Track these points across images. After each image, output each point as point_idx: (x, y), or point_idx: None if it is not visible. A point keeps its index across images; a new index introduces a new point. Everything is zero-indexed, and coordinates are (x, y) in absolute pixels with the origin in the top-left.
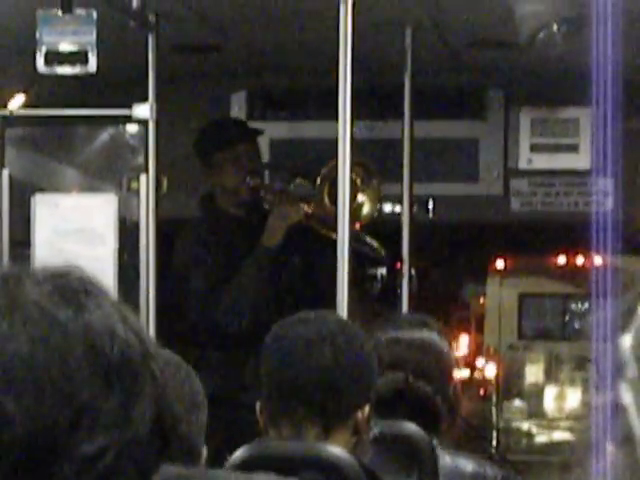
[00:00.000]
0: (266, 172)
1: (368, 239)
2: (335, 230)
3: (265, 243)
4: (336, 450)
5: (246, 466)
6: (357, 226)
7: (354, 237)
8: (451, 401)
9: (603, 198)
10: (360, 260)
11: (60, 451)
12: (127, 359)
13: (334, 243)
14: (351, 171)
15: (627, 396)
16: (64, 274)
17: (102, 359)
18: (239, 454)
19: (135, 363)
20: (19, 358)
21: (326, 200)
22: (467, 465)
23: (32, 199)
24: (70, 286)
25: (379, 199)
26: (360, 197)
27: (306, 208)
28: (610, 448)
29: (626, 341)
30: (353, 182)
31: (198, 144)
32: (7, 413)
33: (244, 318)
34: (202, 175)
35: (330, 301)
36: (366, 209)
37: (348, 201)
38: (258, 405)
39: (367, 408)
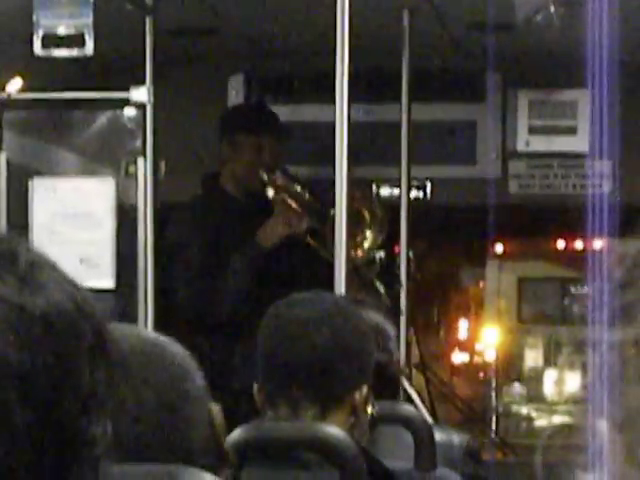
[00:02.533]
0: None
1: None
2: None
3: (259, 242)
4: (333, 430)
5: (242, 448)
6: (359, 254)
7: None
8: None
9: (601, 180)
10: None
11: (72, 439)
12: (97, 328)
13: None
14: (364, 207)
15: None
16: (13, 251)
17: (82, 336)
18: (235, 436)
19: (105, 336)
20: (17, 364)
21: None
22: (435, 435)
23: (30, 183)
24: (25, 265)
25: (379, 240)
26: (367, 232)
27: (311, 223)
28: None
29: None
30: (362, 216)
31: (225, 121)
32: (16, 418)
33: (228, 310)
34: (219, 150)
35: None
36: (367, 244)
37: (346, 177)
38: (255, 386)
39: (364, 389)
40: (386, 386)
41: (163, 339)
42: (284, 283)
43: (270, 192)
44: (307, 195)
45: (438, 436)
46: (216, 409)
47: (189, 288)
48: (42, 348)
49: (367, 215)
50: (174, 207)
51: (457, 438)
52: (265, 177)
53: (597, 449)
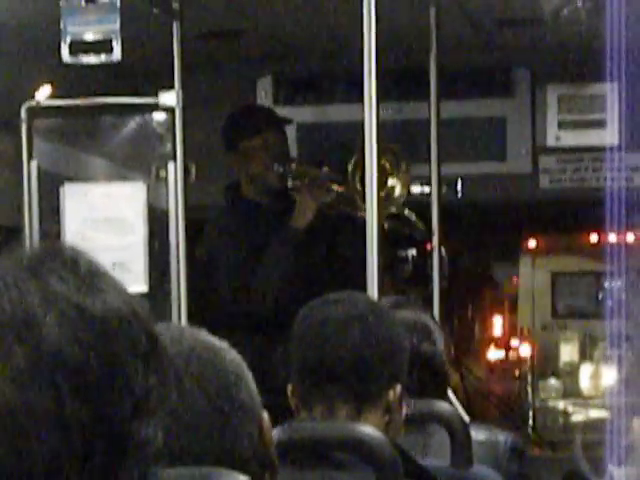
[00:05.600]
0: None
1: (406, 212)
2: (364, 208)
3: (294, 224)
4: (368, 429)
5: (278, 448)
6: (394, 208)
7: (390, 215)
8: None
9: (632, 174)
10: (392, 241)
11: (122, 440)
12: (151, 335)
13: (363, 225)
14: (381, 155)
15: None
16: (75, 258)
17: (137, 341)
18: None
19: (159, 344)
20: (73, 360)
21: (358, 186)
22: (478, 433)
23: (61, 189)
24: (85, 271)
25: (409, 182)
26: (390, 181)
27: (336, 188)
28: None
29: None
30: (382, 167)
31: (225, 130)
32: (68, 411)
33: (270, 300)
34: (228, 162)
35: (358, 285)
36: (397, 192)
37: (376, 183)
38: (290, 387)
39: (398, 388)
40: (433, 378)
41: (220, 344)
42: (321, 272)
43: (290, 183)
44: (325, 171)
45: (482, 434)
46: (266, 417)
47: (227, 291)
48: (97, 347)
49: (387, 164)
50: (205, 212)
51: (502, 436)
52: (280, 170)
53: (630, 444)
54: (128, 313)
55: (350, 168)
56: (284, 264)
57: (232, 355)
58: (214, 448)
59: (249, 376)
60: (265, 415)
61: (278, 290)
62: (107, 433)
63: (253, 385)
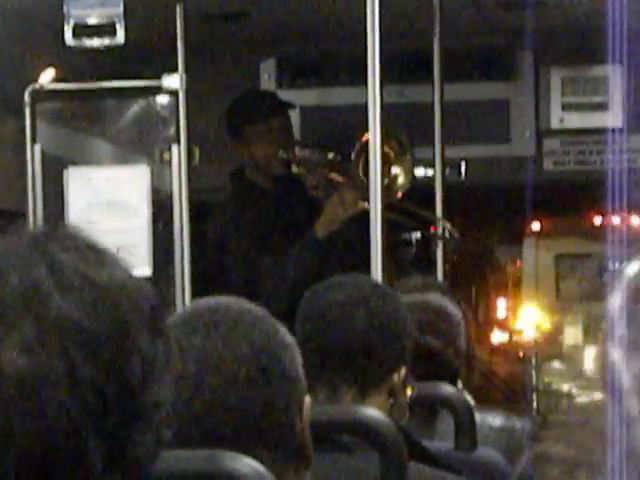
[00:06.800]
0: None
1: (412, 209)
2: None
3: (318, 232)
4: (373, 412)
5: None
6: (398, 195)
7: (396, 208)
8: (466, 357)
9: (636, 156)
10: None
11: (136, 400)
12: (155, 305)
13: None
14: (386, 142)
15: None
16: (76, 235)
17: (142, 308)
18: None
19: (161, 312)
20: (81, 325)
21: (361, 174)
22: (495, 420)
23: (65, 173)
24: (87, 246)
25: (413, 170)
26: (394, 169)
27: (336, 177)
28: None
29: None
30: (386, 155)
31: (229, 117)
32: (81, 374)
33: (282, 302)
34: (231, 148)
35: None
36: (400, 180)
37: (380, 165)
38: None
39: (403, 370)
40: (438, 373)
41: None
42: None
43: (294, 168)
44: (331, 157)
45: (498, 420)
46: (308, 402)
47: (237, 282)
48: (103, 312)
49: (390, 152)
50: (209, 195)
51: (519, 423)
52: (285, 155)
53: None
54: (133, 285)
55: (353, 157)
56: (303, 271)
57: (286, 332)
58: (252, 401)
59: (298, 354)
60: (307, 399)
61: (289, 291)
62: (121, 393)
63: (300, 363)
